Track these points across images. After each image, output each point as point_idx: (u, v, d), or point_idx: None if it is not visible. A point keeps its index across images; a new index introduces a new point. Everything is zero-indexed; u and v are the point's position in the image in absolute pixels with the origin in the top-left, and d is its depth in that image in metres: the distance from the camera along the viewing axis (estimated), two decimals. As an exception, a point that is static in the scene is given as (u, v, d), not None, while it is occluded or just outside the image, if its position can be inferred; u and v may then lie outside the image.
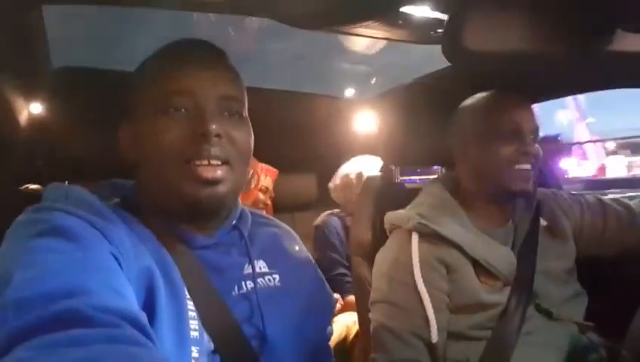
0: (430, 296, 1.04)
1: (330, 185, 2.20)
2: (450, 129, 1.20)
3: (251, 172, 1.90)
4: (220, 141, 0.73)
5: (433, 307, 1.03)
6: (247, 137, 0.79)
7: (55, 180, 0.74)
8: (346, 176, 2.11)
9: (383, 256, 1.16)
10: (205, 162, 0.72)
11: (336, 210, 2.22)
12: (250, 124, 0.82)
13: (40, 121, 1.30)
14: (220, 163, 0.73)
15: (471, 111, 1.16)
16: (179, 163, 0.72)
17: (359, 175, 2.06)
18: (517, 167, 1.07)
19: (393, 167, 1.54)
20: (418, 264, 1.06)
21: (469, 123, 1.15)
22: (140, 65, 0.81)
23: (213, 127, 0.72)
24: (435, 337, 1.02)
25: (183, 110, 0.73)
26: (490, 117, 1.11)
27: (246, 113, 0.81)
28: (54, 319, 0.47)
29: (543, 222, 1.19)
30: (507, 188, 1.09)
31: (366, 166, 2.09)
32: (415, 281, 1.05)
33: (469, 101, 1.19)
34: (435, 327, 1.02)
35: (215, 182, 0.73)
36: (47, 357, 0.43)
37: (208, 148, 0.72)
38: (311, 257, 0.98)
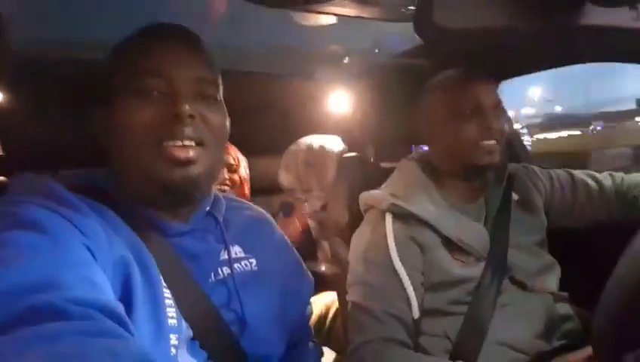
0: (407, 274, 1.05)
1: (287, 178, 2.00)
2: (417, 108, 1.21)
3: None
4: (193, 122, 0.72)
5: (411, 285, 1.05)
6: (221, 120, 0.79)
7: (20, 171, 0.71)
8: (310, 151, 1.94)
9: (358, 238, 1.17)
10: (179, 143, 0.71)
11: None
12: (225, 108, 0.81)
13: (3, 109, 1.25)
14: (193, 144, 0.73)
15: (433, 90, 1.17)
16: (152, 145, 0.71)
17: (322, 148, 1.93)
18: (481, 143, 1.09)
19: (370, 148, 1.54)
20: (394, 244, 1.07)
21: (433, 102, 1.16)
22: (113, 48, 0.80)
23: (186, 107, 0.71)
24: (416, 314, 1.04)
25: (156, 92, 0.72)
26: (451, 95, 1.12)
27: (220, 96, 0.81)
28: (28, 313, 0.46)
29: (514, 196, 1.21)
30: (474, 165, 1.11)
31: (325, 141, 1.95)
32: (392, 261, 1.06)
33: (432, 81, 1.20)
34: (417, 305, 1.04)
35: (188, 162, 0.72)
36: (21, 352, 0.42)
37: (181, 129, 0.71)
38: (287, 239, 0.98)
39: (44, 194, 0.64)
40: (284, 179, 2.01)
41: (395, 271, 1.06)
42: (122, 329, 0.51)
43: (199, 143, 0.74)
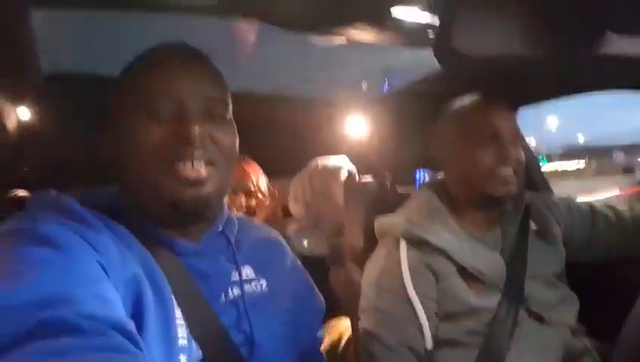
0: (421, 303, 1.03)
1: (296, 204, 1.92)
2: (433, 134, 1.21)
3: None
4: (203, 143, 0.73)
5: (425, 314, 1.03)
6: (231, 139, 0.78)
7: (43, 186, 0.73)
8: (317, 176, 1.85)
9: (372, 264, 1.16)
10: (189, 164, 0.72)
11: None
12: (235, 126, 0.81)
13: (28, 127, 1.29)
14: (203, 165, 0.73)
15: (451, 116, 1.17)
16: (162, 164, 0.72)
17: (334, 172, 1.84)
18: (498, 172, 1.07)
19: (387, 173, 1.54)
20: (408, 271, 1.06)
21: (450, 129, 1.16)
22: (123, 70, 0.81)
23: (196, 128, 0.71)
24: (430, 345, 1.02)
25: (165, 113, 0.72)
26: (468, 123, 1.11)
27: (230, 115, 0.81)
28: (41, 328, 0.46)
29: (532, 226, 1.19)
30: (490, 194, 1.09)
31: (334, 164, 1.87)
32: (406, 289, 1.04)
33: (449, 107, 1.19)
34: (430, 335, 1.02)
35: (199, 182, 0.72)
36: None
37: (191, 151, 0.71)
38: (299, 262, 0.97)
39: (60, 211, 0.65)
40: (293, 208, 1.95)
41: (408, 299, 1.04)
42: (133, 346, 0.51)
43: (209, 163, 0.74)
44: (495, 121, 1.09)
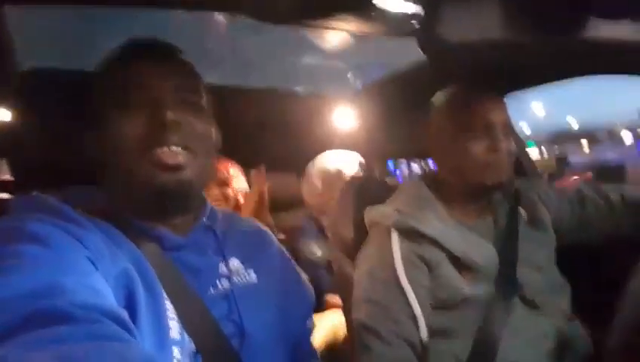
0: (415, 293, 1.03)
1: (306, 188, 2.05)
2: (424, 124, 1.20)
3: None
4: (179, 128, 0.74)
5: (419, 304, 1.03)
6: (207, 126, 0.80)
7: (24, 188, 0.72)
8: (326, 176, 1.98)
9: (364, 254, 1.15)
10: (165, 149, 0.73)
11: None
12: (212, 117, 0.83)
13: (6, 127, 1.26)
14: (180, 149, 0.74)
15: (441, 107, 1.16)
16: (141, 153, 0.73)
17: (339, 173, 1.97)
18: (490, 161, 1.08)
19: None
20: (400, 261, 1.06)
21: (441, 119, 1.15)
22: (100, 64, 0.82)
23: (170, 113, 0.73)
24: (425, 334, 1.02)
25: (140, 104, 0.74)
26: (460, 113, 1.11)
27: (205, 104, 0.83)
28: (35, 317, 0.47)
29: (522, 213, 1.19)
30: (481, 183, 1.10)
31: (342, 163, 1.98)
32: (398, 279, 1.04)
33: (439, 97, 1.19)
34: (424, 324, 1.02)
35: (177, 167, 0.74)
36: (31, 354, 0.43)
37: (167, 136, 0.73)
38: (286, 252, 0.98)
39: (47, 211, 0.66)
40: (305, 194, 2.04)
41: (401, 288, 1.04)
42: (127, 334, 0.51)
43: (186, 149, 0.75)
44: (487, 112, 1.09)
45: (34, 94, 1.09)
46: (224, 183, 1.86)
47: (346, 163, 1.98)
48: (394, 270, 1.05)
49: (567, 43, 0.82)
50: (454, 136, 1.11)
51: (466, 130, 1.09)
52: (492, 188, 1.11)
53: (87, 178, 0.80)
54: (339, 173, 1.94)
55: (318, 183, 1.98)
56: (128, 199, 0.76)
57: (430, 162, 1.41)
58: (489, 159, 1.08)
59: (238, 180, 1.88)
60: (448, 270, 1.07)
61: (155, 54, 0.79)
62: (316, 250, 1.88)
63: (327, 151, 2.05)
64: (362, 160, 1.94)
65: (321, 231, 2.01)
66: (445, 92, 1.18)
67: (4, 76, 1.38)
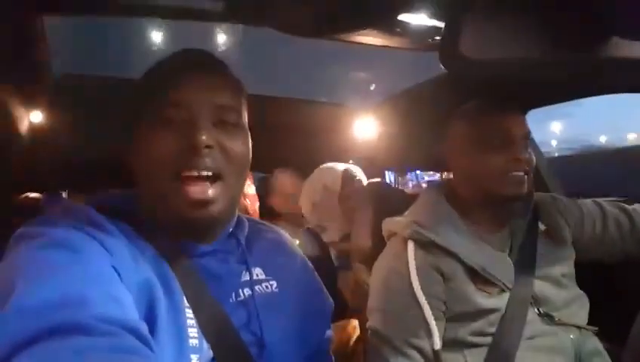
0: (429, 304, 1.04)
1: (306, 204, 1.98)
2: (442, 137, 1.21)
3: None
4: (210, 152, 0.72)
5: (433, 315, 1.03)
6: (242, 148, 0.78)
7: (55, 189, 0.74)
8: (319, 191, 1.92)
9: (380, 265, 1.16)
10: (195, 173, 0.72)
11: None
12: (249, 135, 0.81)
13: (40, 130, 1.31)
14: (210, 174, 0.73)
15: (462, 118, 1.17)
16: (170, 177, 0.72)
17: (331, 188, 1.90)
18: (509, 174, 1.08)
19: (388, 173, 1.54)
20: (415, 272, 1.06)
21: (461, 131, 1.16)
22: (142, 76, 0.82)
23: (203, 137, 0.71)
24: (438, 345, 1.02)
25: (177, 122, 0.73)
26: (481, 125, 1.12)
27: (245, 123, 0.81)
28: (55, 328, 0.48)
29: (541, 227, 1.19)
30: (500, 195, 1.10)
31: (335, 177, 1.92)
32: (413, 289, 1.05)
33: (459, 109, 1.20)
34: (437, 335, 1.02)
35: (206, 202, 0.72)
36: None
37: (197, 160, 0.71)
38: (308, 262, 0.98)
39: (74, 215, 0.67)
40: (303, 207, 1.99)
41: (416, 299, 1.04)
42: (145, 348, 0.52)
43: (217, 175, 0.73)
44: (507, 124, 1.09)
45: (67, 98, 1.14)
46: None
47: (339, 176, 1.92)
48: (409, 281, 1.06)
49: (588, 61, 0.82)
50: (475, 148, 1.12)
51: (487, 143, 1.10)
52: (510, 200, 1.11)
53: (116, 181, 0.83)
54: (331, 188, 1.90)
55: (313, 198, 1.94)
56: (154, 212, 0.76)
57: (446, 174, 1.42)
58: (508, 171, 1.08)
59: (248, 187, 1.91)
60: (464, 282, 1.08)
61: (198, 69, 0.77)
62: None
63: (324, 165, 2.00)
64: (358, 175, 1.89)
65: (321, 247, 1.94)
66: (466, 105, 1.19)
67: (40, 80, 1.44)
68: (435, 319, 1.03)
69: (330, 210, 1.89)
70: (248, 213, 1.89)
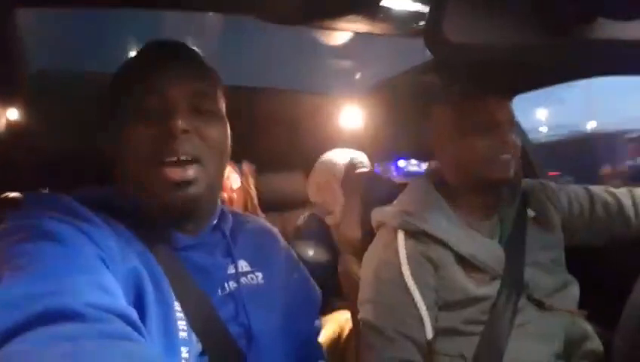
0: (420, 293, 1.03)
1: (311, 186, 2.07)
2: (428, 122, 1.20)
3: None
4: (188, 137, 0.73)
5: (425, 304, 1.03)
6: (220, 134, 0.79)
7: (34, 187, 0.73)
8: (329, 174, 1.99)
9: (370, 255, 1.16)
10: (174, 158, 0.72)
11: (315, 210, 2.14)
12: (227, 122, 0.82)
13: (17, 128, 1.27)
14: (189, 159, 0.73)
15: (447, 104, 1.16)
16: (150, 164, 0.73)
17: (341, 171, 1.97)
18: (496, 157, 1.07)
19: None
20: (406, 261, 1.06)
21: (446, 116, 1.15)
22: (118, 69, 0.82)
23: (180, 122, 0.72)
24: (430, 334, 1.02)
25: (154, 110, 0.74)
26: (466, 110, 1.11)
27: (221, 110, 0.82)
28: (44, 315, 0.47)
29: (530, 213, 1.19)
30: (487, 179, 1.09)
31: (345, 161, 1.98)
32: (404, 279, 1.04)
33: (444, 94, 1.19)
34: (430, 324, 1.02)
35: (186, 183, 0.73)
36: (42, 350, 0.44)
37: (176, 145, 0.72)
38: (293, 253, 0.99)
39: (58, 209, 0.66)
40: (310, 191, 2.04)
41: (407, 289, 1.04)
42: (136, 333, 0.52)
43: (196, 159, 0.74)
44: (492, 109, 1.09)
45: (43, 95, 1.11)
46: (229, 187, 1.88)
47: (349, 161, 1.97)
48: (400, 270, 1.05)
49: (577, 44, 0.81)
50: (460, 132, 1.11)
51: (472, 126, 1.09)
52: (498, 184, 1.11)
53: (95, 177, 0.81)
54: (341, 171, 1.94)
55: (321, 182, 1.99)
56: (139, 203, 0.77)
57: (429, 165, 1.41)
58: (494, 154, 1.07)
59: (231, 179, 1.90)
60: (455, 270, 1.07)
61: (172, 58, 0.78)
62: (309, 250, 1.88)
63: (333, 150, 2.05)
64: (365, 159, 1.94)
65: (324, 231, 2.01)
66: (449, 90, 1.18)
67: (15, 77, 1.39)
68: (427, 308, 1.03)
69: (334, 194, 1.92)
70: (246, 209, 1.88)
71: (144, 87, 0.75)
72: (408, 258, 1.06)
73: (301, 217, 2.13)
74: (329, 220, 2.00)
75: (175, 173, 0.72)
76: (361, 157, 1.96)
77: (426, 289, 1.05)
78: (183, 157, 0.73)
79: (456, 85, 1.18)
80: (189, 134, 0.73)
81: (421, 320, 1.02)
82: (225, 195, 1.85)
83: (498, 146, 1.07)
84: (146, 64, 0.77)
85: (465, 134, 1.10)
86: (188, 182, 0.73)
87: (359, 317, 1.10)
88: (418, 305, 1.03)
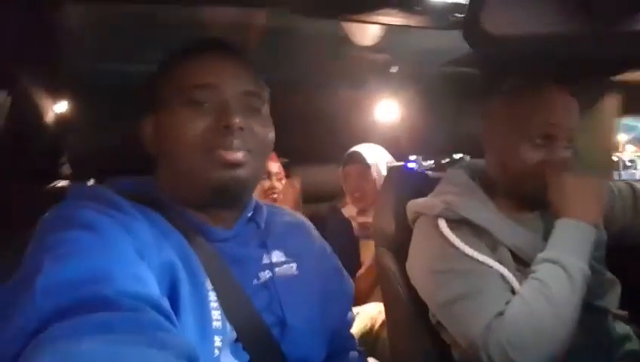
0: (486, 258, 0.98)
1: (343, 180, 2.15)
2: (482, 115, 1.15)
3: None
4: (242, 133, 0.76)
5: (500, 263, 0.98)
6: (267, 131, 0.82)
7: (80, 177, 0.76)
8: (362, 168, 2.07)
9: (417, 253, 1.11)
10: (230, 152, 0.75)
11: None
12: (271, 120, 0.84)
13: (65, 120, 1.33)
14: (241, 154, 0.76)
15: (503, 102, 1.10)
16: (203, 151, 0.75)
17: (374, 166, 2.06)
18: (543, 174, 1.02)
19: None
20: (458, 241, 1.01)
21: (500, 115, 1.10)
22: (165, 61, 0.83)
23: (237, 120, 0.74)
24: (517, 285, 0.97)
25: (206, 103, 0.76)
26: (524, 113, 1.04)
27: (266, 110, 0.84)
28: (80, 303, 0.49)
29: None
30: (529, 195, 1.06)
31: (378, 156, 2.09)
32: (465, 253, 0.99)
33: (504, 90, 1.12)
34: (513, 278, 0.97)
35: (237, 164, 0.75)
36: (81, 337, 0.45)
37: (231, 140, 0.75)
38: (327, 244, 0.99)
39: (97, 200, 0.69)
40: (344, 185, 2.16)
41: (473, 260, 0.98)
42: (168, 323, 0.54)
43: (246, 151, 0.77)
44: (553, 118, 1.01)
45: (91, 89, 1.16)
46: (279, 177, 1.96)
47: (381, 156, 2.07)
48: (455, 249, 1.00)
49: (621, 35, 0.78)
50: (512, 138, 1.05)
51: (528, 135, 1.02)
52: (542, 201, 1.05)
53: (140, 168, 0.84)
54: (374, 166, 2.04)
55: (355, 175, 2.08)
56: (182, 191, 0.79)
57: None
58: (543, 172, 1.02)
59: (271, 166, 1.97)
60: (505, 254, 1.02)
61: (225, 56, 0.81)
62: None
63: (363, 145, 2.12)
64: (369, 156, 2.05)
65: (342, 221, 2.10)
66: (512, 85, 1.11)
67: (65, 71, 1.46)
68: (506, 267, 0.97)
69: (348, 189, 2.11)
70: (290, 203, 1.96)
71: (199, 80, 0.77)
72: (459, 238, 1.01)
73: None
74: (345, 211, 2.14)
75: (228, 155, 0.75)
76: (364, 151, 2.07)
77: (488, 259, 0.99)
78: (235, 150, 0.75)
79: (510, 81, 1.12)
80: (242, 131, 0.76)
81: (505, 279, 0.97)
82: (277, 185, 1.94)
83: (548, 162, 1.01)
84: (201, 58, 0.79)
85: (516, 141, 1.04)
86: (238, 164, 0.75)
87: (447, 321, 1.04)
88: (494, 266, 0.97)
